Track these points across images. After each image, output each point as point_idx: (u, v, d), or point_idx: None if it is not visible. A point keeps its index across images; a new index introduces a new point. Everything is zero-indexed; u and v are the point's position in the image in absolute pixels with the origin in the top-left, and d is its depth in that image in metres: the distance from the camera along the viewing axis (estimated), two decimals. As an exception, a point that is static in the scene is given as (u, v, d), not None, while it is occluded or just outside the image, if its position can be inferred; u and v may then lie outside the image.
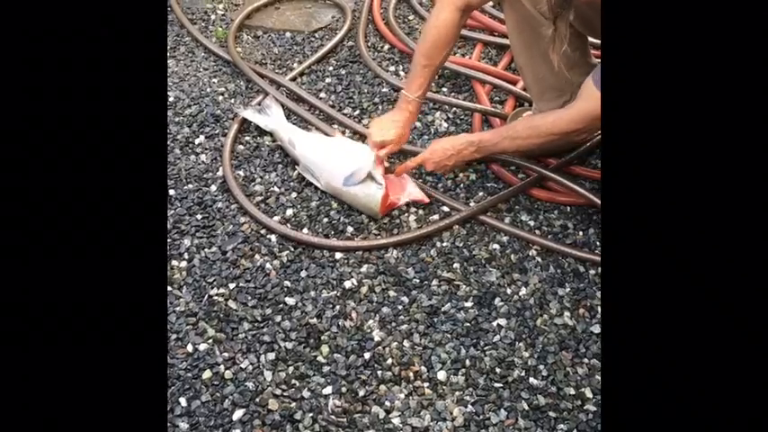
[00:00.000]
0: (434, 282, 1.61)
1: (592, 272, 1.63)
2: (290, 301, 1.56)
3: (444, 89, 2.10)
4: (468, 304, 1.57)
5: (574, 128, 1.57)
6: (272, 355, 1.46)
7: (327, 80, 2.13)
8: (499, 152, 1.73)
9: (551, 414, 1.38)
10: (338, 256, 1.65)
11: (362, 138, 1.94)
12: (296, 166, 1.83)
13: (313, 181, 1.78)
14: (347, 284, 1.60)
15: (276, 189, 1.81)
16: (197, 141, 1.93)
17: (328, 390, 1.41)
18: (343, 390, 1.41)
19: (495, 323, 1.53)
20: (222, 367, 1.44)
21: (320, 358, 1.46)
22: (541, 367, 1.46)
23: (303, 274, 1.61)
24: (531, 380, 1.43)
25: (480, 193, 1.80)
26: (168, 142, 1.92)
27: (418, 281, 1.61)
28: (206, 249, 1.66)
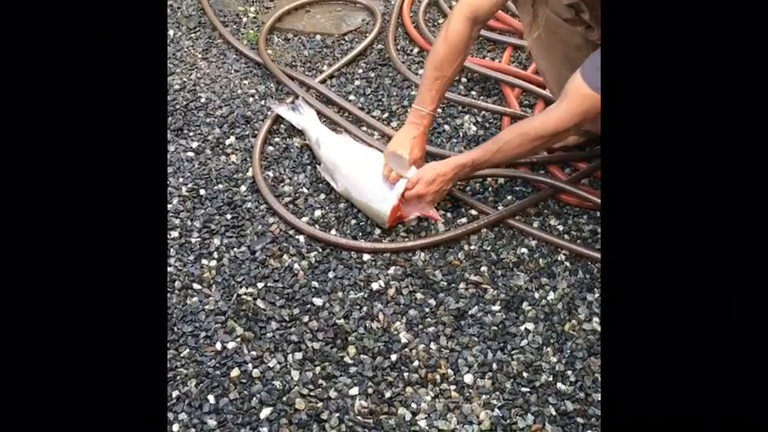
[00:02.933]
0: (462, 285, 1.60)
1: (621, 278, 1.61)
2: (318, 301, 1.57)
3: (473, 92, 2.09)
4: (496, 308, 1.56)
5: (562, 128, 1.55)
6: (299, 355, 1.47)
7: (357, 83, 2.15)
8: (494, 165, 1.72)
9: (579, 420, 1.37)
10: (366, 257, 1.66)
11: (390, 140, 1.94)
12: (318, 166, 1.84)
13: (331, 182, 1.79)
14: (374, 286, 1.60)
15: (305, 190, 1.82)
16: (227, 142, 1.95)
17: (355, 390, 1.41)
18: (370, 391, 1.41)
19: (522, 327, 1.53)
20: (250, 366, 1.45)
21: (347, 359, 1.47)
22: (569, 373, 1.45)
23: (331, 274, 1.62)
24: (559, 385, 1.42)
25: (509, 197, 1.79)
26: (199, 143, 1.95)
27: (445, 283, 1.61)
28: (235, 249, 1.68)
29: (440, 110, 2.04)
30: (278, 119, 1.99)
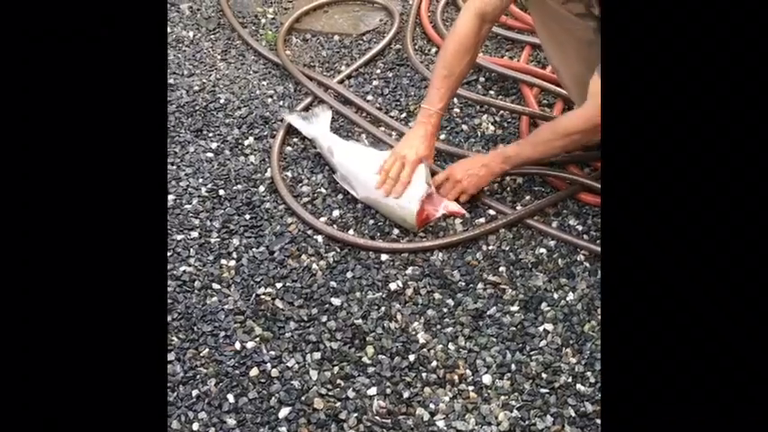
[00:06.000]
0: (480, 285, 1.60)
1: (642, 278, 1.60)
2: (336, 301, 1.57)
3: (492, 92, 2.09)
4: (515, 308, 1.56)
5: (591, 126, 1.57)
6: (317, 355, 1.48)
7: (375, 83, 2.15)
8: (526, 160, 1.73)
9: (599, 422, 1.36)
10: (384, 257, 1.66)
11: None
12: (333, 175, 1.84)
13: (350, 190, 1.78)
14: (392, 286, 1.60)
15: (323, 190, 1.82)
16: (246, 143, 1.96)
17: (373, 391, 1.42)
18: (388, 391, 1.42)
19: (541, 328, 1.52)
20: (269, 365, 1.46)
21: (365, 359, 1.47)
22: (589, 374, 1.44)
23: (349, 275, 1.63)
24: (579, 386, 1.42)
25: (527, 197, 1.79)
26: (219, 143, 1.96)
27: (464, 284, 1.60)
28: (254, 249, 1.69)
29: (457, 109, 2.04)
30: (296, 119, 2.00)
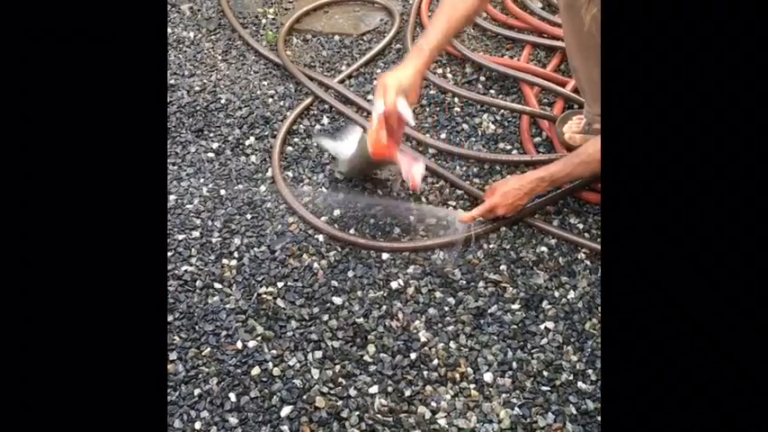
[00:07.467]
0: (481, 283, 1.60)
1: (642, 276, 1.60)
2: (337, 300, 1.58)
3: (492, 91, 2.09)
4: (516, 306, 1.56)
5: None
6: (319, 354, 1.48)
7: (375, 82, 2.15)
8: (573, 180, 1.70)
9: (600, 419, 1.36)
10: (385, 256, 1.66)
11: (409, 141, 1.95)
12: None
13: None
14: (394, 285, 1.60)
15: (324, 190, 1.83)
16: (247, 143, 1.96)
17: (374, 389, 1.42)
18: (390, 389, 1.42)
19: (542, 326, 1.52)
20: (271, 364, 1.46)
21: (366, 357, 1.47)
22: (590, 372, 1.44)
23: (350, 274, 1.63)
24: (580, 384, 1.42)
25: (528, 196, 1.79)
26: (220, 143, 1.96)
27: (465, 282, 1.61)
28: (255, 248, 1.69)
29: (458, 108, 2.04)
30: (297, 119, 2.00)
